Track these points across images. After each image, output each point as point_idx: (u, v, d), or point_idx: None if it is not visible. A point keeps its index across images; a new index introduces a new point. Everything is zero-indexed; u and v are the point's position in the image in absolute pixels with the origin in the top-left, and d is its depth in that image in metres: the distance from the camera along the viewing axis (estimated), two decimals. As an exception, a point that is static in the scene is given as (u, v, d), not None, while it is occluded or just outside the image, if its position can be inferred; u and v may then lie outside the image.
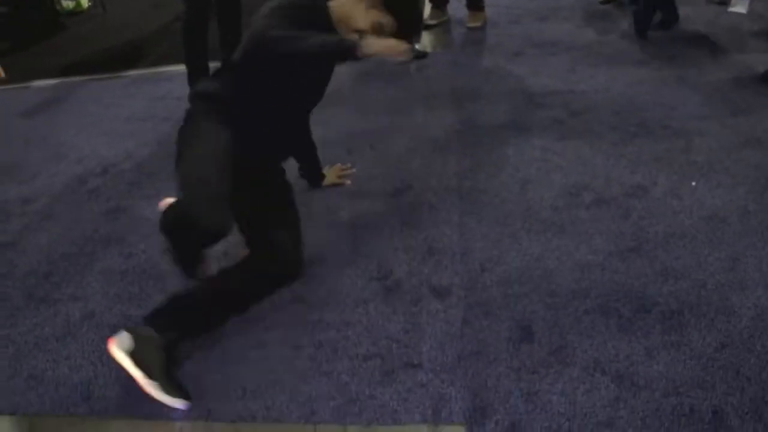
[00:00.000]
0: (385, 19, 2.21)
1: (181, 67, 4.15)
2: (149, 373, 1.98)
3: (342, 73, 4.19)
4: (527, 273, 2.31)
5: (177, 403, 1.97)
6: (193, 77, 4.02)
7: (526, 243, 2.45)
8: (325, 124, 3.53)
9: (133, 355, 2.01)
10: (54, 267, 2.75)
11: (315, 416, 1.89)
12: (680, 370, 1.85)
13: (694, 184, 2.66)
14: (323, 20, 2.25)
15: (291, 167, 2.72)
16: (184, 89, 4.10)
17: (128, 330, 2.07)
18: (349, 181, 2.95)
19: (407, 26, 2.24)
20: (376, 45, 2.04)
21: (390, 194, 2.85)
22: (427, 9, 4.86)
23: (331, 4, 2.28)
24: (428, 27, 4.80)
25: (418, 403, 1.88)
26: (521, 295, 2.21)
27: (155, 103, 4.29)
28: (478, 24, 4.82)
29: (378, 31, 2.20)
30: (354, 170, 3.01)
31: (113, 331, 2.31)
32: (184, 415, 1.97)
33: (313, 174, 2.90)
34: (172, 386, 1.99)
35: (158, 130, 3.86)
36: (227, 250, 2.48)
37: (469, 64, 4.25)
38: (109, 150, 3.71)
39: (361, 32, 2.20)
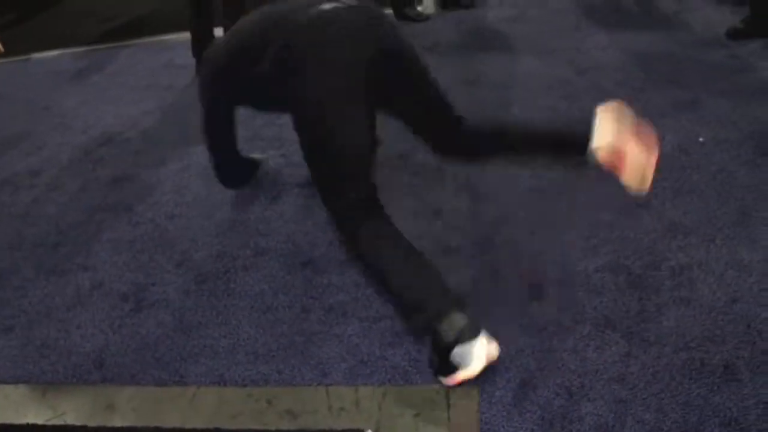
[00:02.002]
0: None
1: (184, 35, 4.11)
2: None
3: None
4: (537, 233, 2.30)
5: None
6: (196, 45, 3.99)
7: (536, 202, 2.44)
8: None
9: None
10: (63, 237, 2.76)
11: (327, 378, 1.90)
12: (690, 325, 1.85)
13: (701, 139, 2.64)
14: None
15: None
16: (186, 57, 4.09)
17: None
18: None
19: None
20: None
21: (396, 157, 2.83)
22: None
23: None
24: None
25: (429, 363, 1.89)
26: (531, 254, 2.21)
27: (158, 72, 4.27)
28: None
29: None
30: None
31: (123, 299, 2.33)
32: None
33: None
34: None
35: (161, 97, 3.84)
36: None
37: (472, 22, 4.20)
38: (113, 119, 3.70)
39: None
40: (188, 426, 1.84)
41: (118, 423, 1.89)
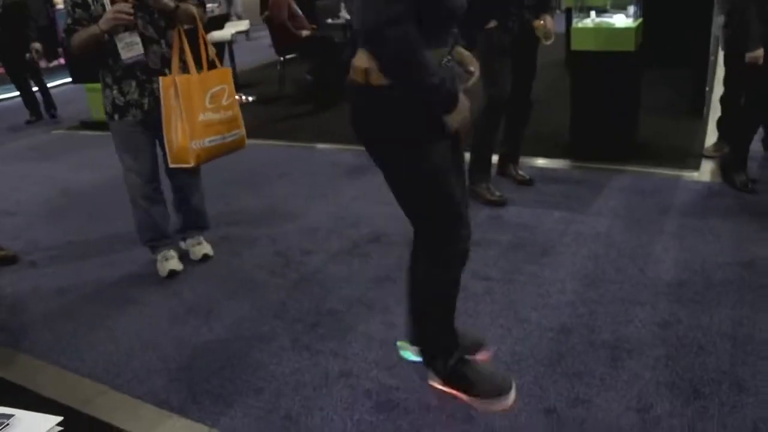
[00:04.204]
0: None
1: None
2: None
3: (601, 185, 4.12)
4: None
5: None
6: None
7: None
8: (595, 236, 3.51)
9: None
10: (321, 319, 2.95)
11: None
12: None
13: None
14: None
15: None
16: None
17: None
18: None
19: None
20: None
21: (657, 323, 2.74)
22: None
23: None
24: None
25: None
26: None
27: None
28: None
29: None
30: None
31: (366, 395, 2.42)
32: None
33: None
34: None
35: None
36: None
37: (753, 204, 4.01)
38: (383, 219, 3.93)
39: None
40: None
41: None
